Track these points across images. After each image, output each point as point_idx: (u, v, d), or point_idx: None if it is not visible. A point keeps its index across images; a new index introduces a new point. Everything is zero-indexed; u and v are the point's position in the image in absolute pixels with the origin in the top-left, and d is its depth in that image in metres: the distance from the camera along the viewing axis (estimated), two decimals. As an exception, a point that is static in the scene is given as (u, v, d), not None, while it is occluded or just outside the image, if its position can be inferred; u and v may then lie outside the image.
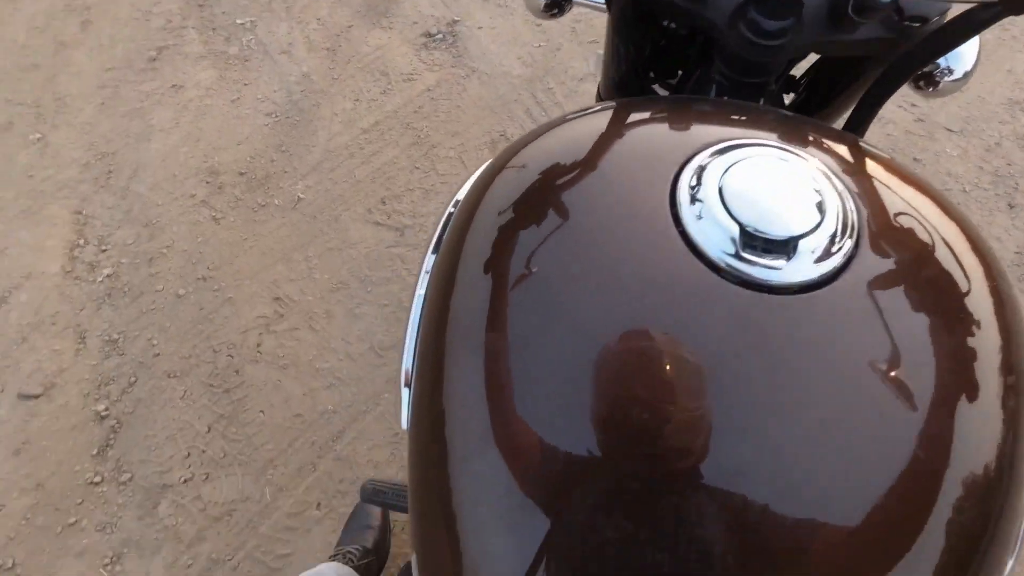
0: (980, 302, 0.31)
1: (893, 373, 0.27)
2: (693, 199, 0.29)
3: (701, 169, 0.30)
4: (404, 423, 0.37)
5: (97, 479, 1.22)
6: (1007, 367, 0.29)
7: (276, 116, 1.69)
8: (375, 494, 0.88)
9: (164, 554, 1.15)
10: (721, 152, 0.31)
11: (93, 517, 1.19)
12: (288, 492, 1.19)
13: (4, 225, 1.52)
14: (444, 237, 0.38)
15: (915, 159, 1.49)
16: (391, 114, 1.68)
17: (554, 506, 0.26)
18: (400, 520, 1.14)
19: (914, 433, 0.26)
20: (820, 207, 0.29)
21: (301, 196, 1.54)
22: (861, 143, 0.39)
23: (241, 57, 1.79)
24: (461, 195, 0.40)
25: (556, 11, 0.54)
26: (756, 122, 0.38)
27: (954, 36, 0.39)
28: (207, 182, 1.57)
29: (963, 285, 0.31)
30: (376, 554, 1.04)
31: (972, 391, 0.28)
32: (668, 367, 0.27)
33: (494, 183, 0.36)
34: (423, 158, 1.58)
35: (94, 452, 1.24)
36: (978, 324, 0.30)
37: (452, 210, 0.40)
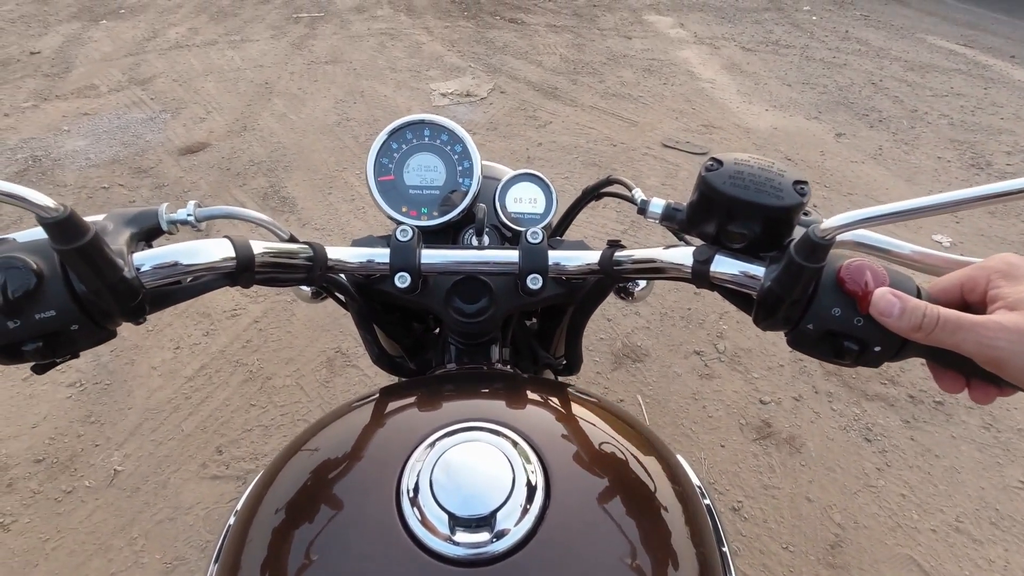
0: (662, 510, 0.39)
1: None
2: (412, 502, 0.35)
3: (417, 468, 0.36)
4: None
5: None
6: (701, 559, 0.38)
7: (81, 385, 1.55)
8: None
9: None
10: (432, 445, 0.38)
11: None
12: None
13: None
14: (223, 547, 0.41)
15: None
16: (217, 355, 1.64)
17: None
18: None
19: None
20: (513, 478, 0.35)
21: (118, 468, 1.38)
22: (568, 389, 0.48)
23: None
24: (240, 505, 0.43)
25: (321, 298, 0.66)
26: (472, 394, 0.47)
27: (607, 287, 0.54)
28: (-10, 483, 1.34)
29: (648, 501, 0.39)
30: None
31: None
32: None
33: (265, 496, 0.40)
34: (258, 393, 1.54)
35: None
36: (661, 526, 0.38)
37: (232, 521, 0.43)
